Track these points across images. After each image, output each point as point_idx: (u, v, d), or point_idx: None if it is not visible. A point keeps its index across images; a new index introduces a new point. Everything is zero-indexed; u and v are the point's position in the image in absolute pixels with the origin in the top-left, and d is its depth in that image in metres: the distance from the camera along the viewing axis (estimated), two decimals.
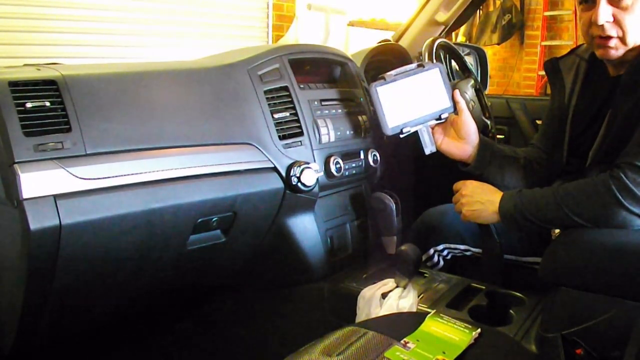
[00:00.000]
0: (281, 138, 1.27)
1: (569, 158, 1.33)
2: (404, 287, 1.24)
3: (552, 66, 1.39)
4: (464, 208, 1.30)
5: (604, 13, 1.15)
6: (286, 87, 1.33)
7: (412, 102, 1.37)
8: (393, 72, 1.37)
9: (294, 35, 4.53)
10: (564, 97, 1.35)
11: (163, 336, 1.57)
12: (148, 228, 1.06)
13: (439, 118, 1.39)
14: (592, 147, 1.24)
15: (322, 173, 1.34)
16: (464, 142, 1.39)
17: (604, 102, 1.25)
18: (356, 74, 1.57)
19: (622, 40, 1.18)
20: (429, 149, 1.39)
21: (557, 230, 1.33)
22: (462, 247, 1.47)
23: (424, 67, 1.39)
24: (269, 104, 1.27)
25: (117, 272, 1.11)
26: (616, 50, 1.19)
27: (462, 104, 1.39)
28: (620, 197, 1.09)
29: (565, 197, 1.15)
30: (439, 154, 1.41)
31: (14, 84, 0.92)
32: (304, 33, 4.58)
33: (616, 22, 1.16)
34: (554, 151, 1.37)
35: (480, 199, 1.28)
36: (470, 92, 1.80)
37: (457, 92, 1.41)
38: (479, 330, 0.98)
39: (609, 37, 1.18)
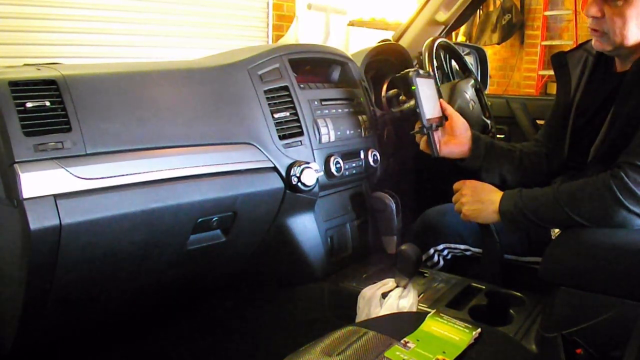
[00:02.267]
0: (281, 138, 1.27)
1: (570, 153, 1.33)
2: (404, 287, 1.24)
3: (559, 60, 1.40)
4: (464, 207, 1.30)
5: (593, 7, 1.19)
6: (286, 86, 1.33)
7: (432, 102, 1.38)
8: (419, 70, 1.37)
9: (294, 35, 4.52)
10: (569, 91, 1.35)
11: (163, 336, 1.57)
12: (148, 228, 1.06)
13: (440, 124, 1.40)
14: (594, 143, 1.24)
15: (322, 173, 1.34)
16: (459, 139, 1.40)
17: (608, 98, 1.25)
18: (356, 73, 1.57)
19: (608, 36, 1.19)
20: (435, 153, 1.39)
21: (557, 230, 1.33)
22: (462, 246, 1.47)
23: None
24: (269, 104, 1.27)
25: (117, 272, 1.11)
26: (603, 44, 1.21)
27: (449, 110, 1.40)
28: (621, 197, 1.09)
29: (565, 197, 1.15)
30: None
31: (14, 84, 0.92)
32: (304, 33, 4.58)
33: (605, 18, 1.18)
34: (556, 145, 1.38)
35: (480, 199, 1.28)
36: (470, 92, 1.80)
37: (442, 100, 1.42)
38: (479, 330, 0.98)
39: (597, 30, 1.20)
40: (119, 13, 3.68)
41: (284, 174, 1.25)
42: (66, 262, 0.97)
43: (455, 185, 1.35)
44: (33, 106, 0.93)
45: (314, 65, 1.52)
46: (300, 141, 1.31)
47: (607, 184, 1.10)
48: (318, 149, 1.35)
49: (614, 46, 1.20)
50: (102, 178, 0.96)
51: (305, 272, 1.39)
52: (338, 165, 1.37)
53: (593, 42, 1.24)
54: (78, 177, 0.93)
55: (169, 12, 3.94)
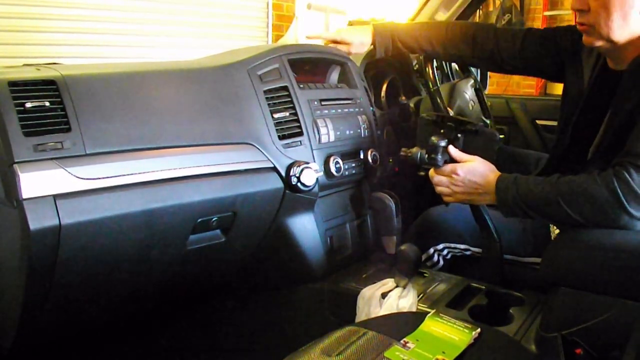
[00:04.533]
0: (281, 138, 1.27)
1: (570, 150, 1.32)
2: (404, 287, 1.24)
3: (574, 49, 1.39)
4: (458, 196, 1.27)
5: (578, 0, 1.19)
6: (286, 87, 1.33)
7: None
8: None
9: (293, 35, 4.52)
10: (582, 83, 1.34)
11: (163, 336, 1.57)
12: (148, 228, 1.06)
13: None
14: (593, 143, 1.24)
15: (321, 173, 1.34)
16: None
17: (608, 95, 1.24)
18: (356, 73, 1.57)
19: (594, 30, 1.19)
20: None
21: (557, 230, 1.32)
22: (462, 246, 1.47)
23: None
24: (268, 104, 1.27)
25: (117, 272, 1.11)
26: (591, 39, 1.21)
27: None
28: (625, 202, 1.06)
29: (566, 195, 1.12)
30: None
31: (13, 84, 0.92)
32: (304, 33, 4.58)
33: (590, 12, 1.18)
34: (558, 141, 1.37)
35: (474, 188, 1.24)
36: (469, 92, 1.80)
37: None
38: (478, 330, 0.98)
39: (583, 25, 1.20)
40: (119, 13, 3.69)
41: (283, 174, 1.25)
42: (66, 262, 0.97)
43: (445, 171, 1.27)
44: (32, 106, 0.93)
45: (313, 65, 1.52)
46: (300, 141, 1.31)
47: (612, 187, 1.07)
48: (318, 149, 1.35)
49: (601, 40, 1.19)
50: (102, 178, 0.96)
51: (305, 272, 1.39)
52: (338, 166, 1.37)
53: (583, 38, 1.24)
54: (78, 177, 0.93)
55: (169, 12, 3.95)
